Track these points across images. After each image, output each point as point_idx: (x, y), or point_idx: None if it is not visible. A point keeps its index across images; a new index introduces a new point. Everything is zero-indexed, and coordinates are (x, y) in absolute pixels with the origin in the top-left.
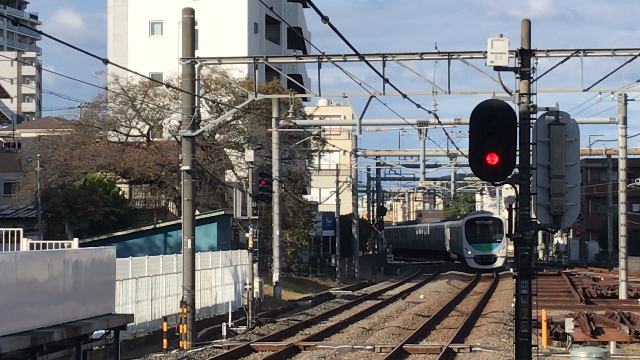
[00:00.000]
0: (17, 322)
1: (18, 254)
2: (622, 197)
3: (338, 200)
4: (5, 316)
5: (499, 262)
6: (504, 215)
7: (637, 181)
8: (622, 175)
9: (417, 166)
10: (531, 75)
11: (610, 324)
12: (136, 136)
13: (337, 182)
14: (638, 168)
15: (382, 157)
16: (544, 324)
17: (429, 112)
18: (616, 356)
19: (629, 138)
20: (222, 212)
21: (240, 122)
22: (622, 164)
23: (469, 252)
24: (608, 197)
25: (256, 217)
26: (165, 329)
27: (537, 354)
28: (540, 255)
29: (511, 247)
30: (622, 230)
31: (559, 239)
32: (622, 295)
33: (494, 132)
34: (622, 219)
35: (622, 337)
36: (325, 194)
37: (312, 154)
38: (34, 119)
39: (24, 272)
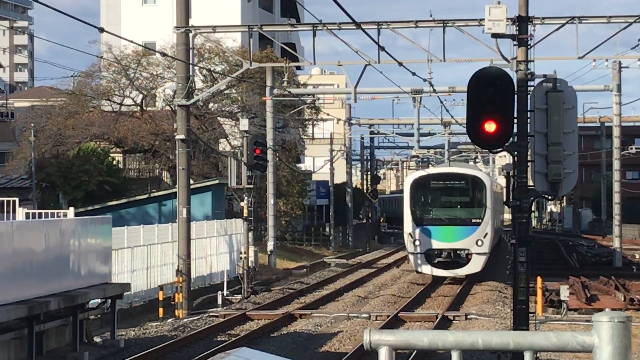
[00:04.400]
0: (13, 292)
1: (14, 223)
2: (616, 164)
3: (332, 169)
4: (2, 286)
5: (474, 265)
6: (491, 173)
7: (631, 149)
8: (616, 142)
9: (411, 134)
10: (528, 43)
11: (605, 291)
12: (130, 105)
13: (331, 150)
14: (632, 135)
15: (376, 125)
16: (539, 292)
17: (424, 80)
18: None
19: (623, 105)
20: (217, 181)
21: (234, 91)
22: (616, 132)
23: (416, 245)
24: (602, 164)
25: (251, 186)
26: (161, 298)
27: (533, 322)
28: (534, 223)
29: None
30: (616, 198)
31: (552, 206)
32: (617, 262)
33: (492, 99)
34: (616, 187)
35: (617, 304)
36: (319, 162)
37: (306, 122)
38: (26, 88)
39: (20, 241)
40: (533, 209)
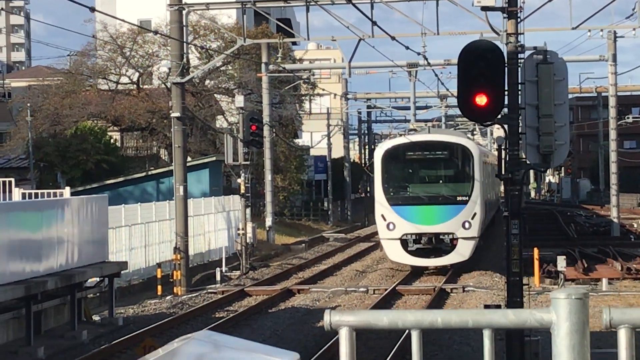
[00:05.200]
0: (10, 272)
1: (10, 203)
2: (612, 134)
3: (329, 144)
4: None
5: (461, 252)
6: (489, 145)
7: (628, 118)
8: (612, 112)
9: (408, 108)
10: (519, 15)
11: (603, 261)
12: (126, 84)
13: (328, 125)
14: (629, 105)
15: (373, 99)
16: (536, 263)
17: (418, 53)
18: (608, 293)
19: (620, 75)
20: (214, 158)
21: (230, 68)
22: (612, 101)
23: (390, 229)
24: (599, 134)
25: (247, 163)
26: (159, 276)
27: (529, 293)
28: (532, 194)
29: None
30: (613, 168)
31: (550, 177)
32: (615, 232)
33: (482, 72)
34: (613, 156)
35: (614, 274)
36: (317, 137)
37: (303, 98)
38: (24, 68)
39: (16, 221)
40: (531, 180)
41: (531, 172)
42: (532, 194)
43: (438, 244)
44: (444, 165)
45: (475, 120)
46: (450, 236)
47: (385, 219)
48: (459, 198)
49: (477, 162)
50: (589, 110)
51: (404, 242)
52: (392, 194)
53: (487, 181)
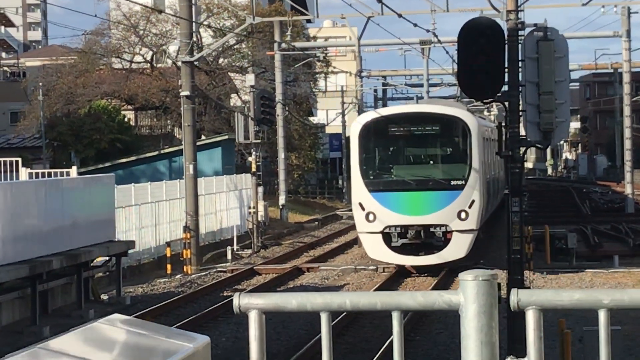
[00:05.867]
0: (14, 252)
1: (14, 183)
2: (627, 110)
3: (344, 122)
4: (3, 246)
5: (455, 248)
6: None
7: None
8: (626, 88)
9: (421, 85)
10: None
11: (615, 238)
12: (140, 62)
13: (343, 103)
14: None
15: (388, 77)
16: (547, 240)
17: (427, 31)
18: (619, 270)
19: (635, 51)
20: (226, 137)
21: (244, 46)
22: (626, 78)
23: (370, 220)
24: (615, 111)
25: (258, 141)
26: (168, 255)
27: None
28: (549, 170)
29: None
30: (628, 144)
31: (567, 154)
32: (629, 208)
33: (483, 50)
34: (627, 133)
35: (624, 251)
36: (332, 115)
37: (317, 76)
38: (40, 47)
39: (20, 201)
40: (548, 156)
41: (549, 149)
42: (549, 170)
43: (428, 239)
44: (435, 142)
45: (476, 97)
46: (443, 229)
47: (363, 208)
48: (453, 182)
49: (476, 138)
50: (606, 87)
51: (387, 237)
52: (371, 177)
53: (489, 161)
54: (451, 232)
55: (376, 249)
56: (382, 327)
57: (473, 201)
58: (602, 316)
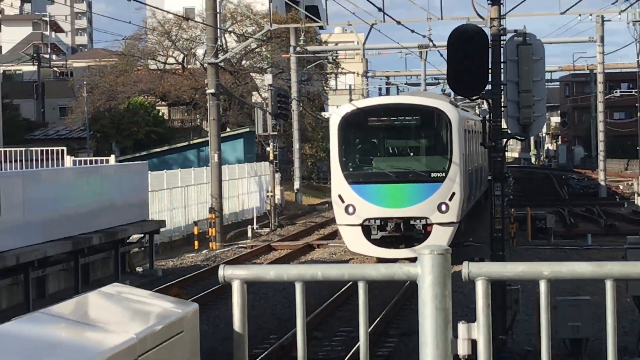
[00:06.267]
0: (61, 229)
1: (60, 169)
2: (600, 106)
3: None
4: (50, 225)
5: (436, 241)
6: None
7: (616, 92)
8: (600, 87)
9: (420, 84)
10: (501, 1)
11: (589, 219)
12: (172, 64)
13: (350, 100)
14: (618, 80)
15: (391, 77)
16: (529, 221)
17: (424, 36)
18: (592, 247)
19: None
20: (248, 129)
21: (264, 50)
22: (600, 78)
23: (349, 213)
24: (591, 107)
25: (275, 133)
26: (196, 232)
27: (524, 247)
28: (533, 159)
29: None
30: (601, 136)
31: (549, 145)
32: (602, 193)
33: (469, 53)
34: (600, 126)
35: (597, 230)
36: None
37: (328, 76)
38: (86, 50)
39: (65, 185)
40: (532, 147)
41: (532, 140)
42: (533, 159)
43: (408, 231)
44: (415, 134)
45: (463, 95)
46: (423, 221)
47: (343, 201)
48: (433, 174)
49: (457, 129)
50: (583, 86)
51: (366, 229)
52: (351, 169)
53: (471, 152)
54: (431, 224)
55: (356, 241)
56: (379, 297)
57: (454, 193)
58: (543, 286)
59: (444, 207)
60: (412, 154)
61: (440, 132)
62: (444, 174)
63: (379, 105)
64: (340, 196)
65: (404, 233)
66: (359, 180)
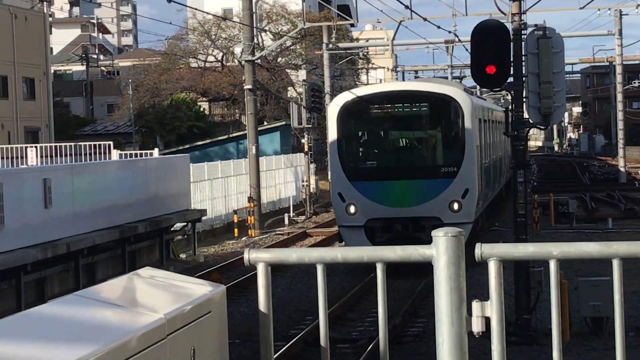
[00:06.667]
0: (108, 219)
1: (106, 163)
2: (619, 97)
3: None
4: (98, 215)
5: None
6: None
7: (634, 83)
8: (619, 78)
9: (447, 78)
10: None
11: (609, 203)
12: (212, 62)
13: None
14: (637, 72)
15: (420, 71)
16: (551, 206)
17: (449, 32)
18: (612, 230)
19: (630, 46)
20: (284, 123)
21: (298, 47)
22: (618, 70)
23: (351, 213)
24: (611, 97)
25: (310, 126)
26: (235, 221)
27: (548, 231)
28: (556, 148)
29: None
30: (620, 125)
31: (571, 134)
32: (622, 179)
33: (492, 46)
34: (619, 115)
35: (617, 214)
36: None
37: (359, 71)
38: (131, 50)
39: (111, 177)
40: (555, 136)
41: (555, 129)
42: (556, 147)
43: (416, 233)
44: (423, 124)
45: (486, 86)
46: (433, 222)
47: (343, 199)
48: (444, 170)
49: (470, 118)
50: (602, 77)
51: (370, 231)
52: (352, 165)
53: (488, 143)
54: (442, 225)
55: (358, 245)
56: (410, 281)
57: (467, 190)
58: (552, 266)
59: (456, 206)
60: (420, 146)
61: (452, 121)
62: (456, 169)
63: (382, 92)
64: (340, 194)
65: (412, 235)
66: (361, 177)
